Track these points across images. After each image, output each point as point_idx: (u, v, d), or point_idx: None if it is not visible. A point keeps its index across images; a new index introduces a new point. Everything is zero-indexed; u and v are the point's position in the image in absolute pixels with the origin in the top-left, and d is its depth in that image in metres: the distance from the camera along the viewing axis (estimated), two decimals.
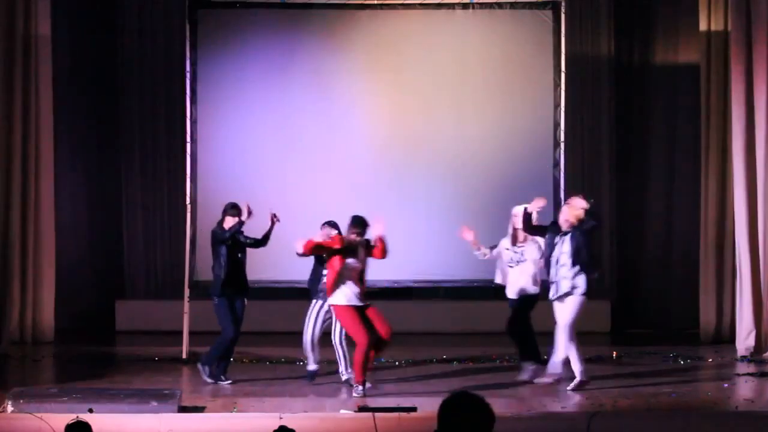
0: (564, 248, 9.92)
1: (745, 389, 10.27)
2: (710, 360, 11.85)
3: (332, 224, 10.25)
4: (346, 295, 9.70)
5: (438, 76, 12.48)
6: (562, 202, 12.18)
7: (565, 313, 9.92)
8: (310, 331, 10.35)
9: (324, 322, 10.35)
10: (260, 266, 12.06)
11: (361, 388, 9.64)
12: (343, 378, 10.19)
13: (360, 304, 9.74)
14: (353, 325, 9.66)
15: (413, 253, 10.81)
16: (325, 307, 10.19)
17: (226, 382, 10.26)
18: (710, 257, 12.94)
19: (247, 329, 13.37)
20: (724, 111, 12.70)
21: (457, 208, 11.88)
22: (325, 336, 10.27)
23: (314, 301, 10.36)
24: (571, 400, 9.61)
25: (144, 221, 14.40)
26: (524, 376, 10.38)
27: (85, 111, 14.62)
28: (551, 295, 10.01)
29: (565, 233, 9.95)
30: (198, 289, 12.16)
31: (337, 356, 10.21)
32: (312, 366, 10.42)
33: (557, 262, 9.93)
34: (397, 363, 11.35)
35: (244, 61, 12.48)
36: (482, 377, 10.77)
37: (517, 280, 10.42)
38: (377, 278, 10.83)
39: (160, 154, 14.63)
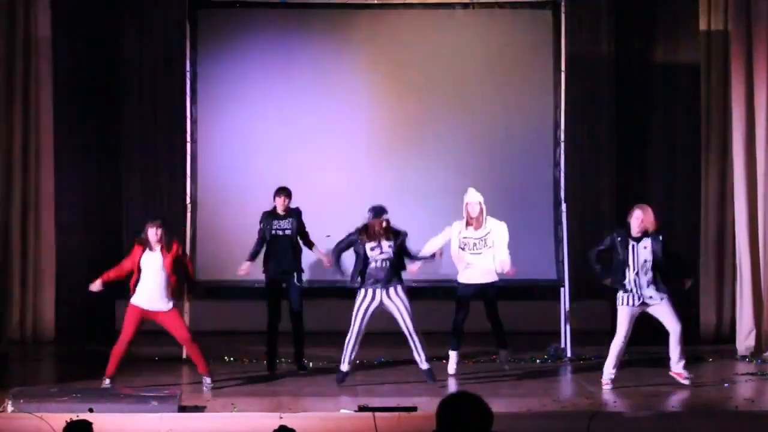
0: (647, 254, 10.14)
1: (745, 389, 10.26)
2: (710, 360, 11.84)
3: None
4: None
5: (438, 75, 12.47)
6: (563, 202, 12.18)
7: (671, 315, 10.21)
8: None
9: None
10: (260, 266, 12.06)
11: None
12: (423, 368, 10.32)
13: None
14: None
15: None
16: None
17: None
18: (710, 257, 12.93)
19: (247, 329, 13.42)
20: (724, 111, 12.69)
21: (458, 207, 11.79)
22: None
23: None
24: (571, 400, 9.61)
25: (144, 221, 14.37)
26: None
27: (85, 111, 14.61)
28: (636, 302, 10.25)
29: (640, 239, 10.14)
30: (198, 289, 12.14)
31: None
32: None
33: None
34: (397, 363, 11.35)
35: (244, 60, 12.47)
36: (482, 377, 10.78)
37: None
38: None
39: (160, 154, 14.63)
